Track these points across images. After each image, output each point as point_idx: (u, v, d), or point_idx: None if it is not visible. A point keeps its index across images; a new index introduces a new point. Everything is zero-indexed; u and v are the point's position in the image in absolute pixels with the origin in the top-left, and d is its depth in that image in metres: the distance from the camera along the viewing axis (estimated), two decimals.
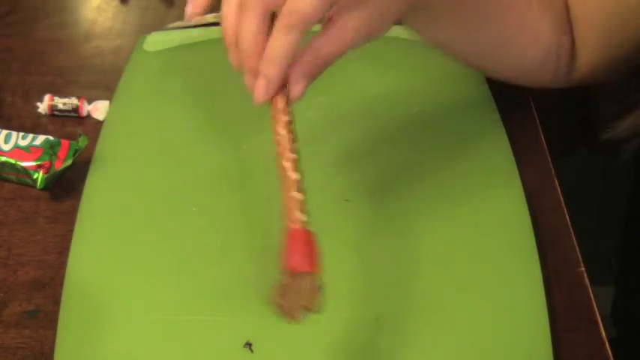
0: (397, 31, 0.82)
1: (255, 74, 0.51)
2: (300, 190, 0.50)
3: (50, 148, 0.67)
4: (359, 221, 0.63)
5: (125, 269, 0.60)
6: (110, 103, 0.74)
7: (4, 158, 0.67)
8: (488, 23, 0.63)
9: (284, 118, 0.52)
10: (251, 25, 0.50)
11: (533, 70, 0.68)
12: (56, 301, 0.58)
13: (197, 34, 0.83)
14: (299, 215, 0.49)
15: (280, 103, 0.52)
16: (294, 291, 0.49)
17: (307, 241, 0.49)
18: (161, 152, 0.69)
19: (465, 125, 0.71)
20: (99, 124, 0.73)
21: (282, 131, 0.52)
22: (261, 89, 0.51)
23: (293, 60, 0.51)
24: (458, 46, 0.65)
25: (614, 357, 0.56)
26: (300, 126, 0.71)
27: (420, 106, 0.73)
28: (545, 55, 0.66)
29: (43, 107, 0.75)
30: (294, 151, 0.52)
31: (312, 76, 0.52)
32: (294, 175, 0.51)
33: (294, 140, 0.52)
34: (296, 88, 0.51)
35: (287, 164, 0.51)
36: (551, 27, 0.65)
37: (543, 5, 0.65)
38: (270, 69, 0.50)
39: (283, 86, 0.52)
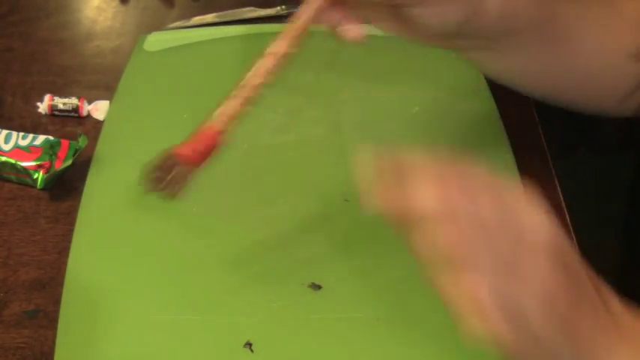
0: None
1: None
2: (245, 102, 0.52)
3: (50, 148, 0.67)
4: (359, 221, 0.63)
5: (125, 269, 0.60)
6: (110, 103, 0.74)
7: (4, 158, 0.67)
8: (548, 51, 0.60)
9: (290, 35, 0.54)
10: None
11: (602, 94, 0.64)
12: (56, 301, 0.58)
13: (197, 34, 0.83)
14: (222, 124, 0.53)
15: (301, 19, 0.54)
16: (167, 170, 0.53)
17: (209, 143, 0.52)
18: (161, 152, 0.69)
19: (465, 125, 0.71)
20: (99, 124, 0.73)
21: (278, 47, 0.53)
22: None
23: None
24: (520, 77, 0.63)
25: None
26: (299, 126, 0.72)
27: (420, 106, 0.73)
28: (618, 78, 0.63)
29: (43, 107, 0.75)
30: (274, 66, 0.53)
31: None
32: (254, 81, 0.53)
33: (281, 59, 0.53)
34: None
35: (257, 71, 0.53)
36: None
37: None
38: None
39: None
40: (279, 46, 0.53)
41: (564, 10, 0.60)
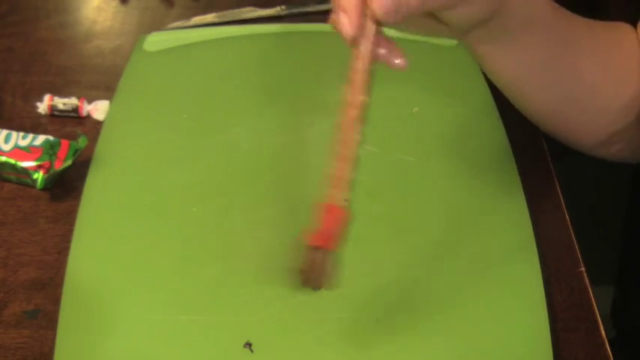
0: (396, 32, 0.82)
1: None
2: (352, 164, 0.49)
3: (50, 148, 0.67)
4: (359, 221, 0.63)
5: (125, 269, 0.60)
6: (110, 103, 0.74)
7: (4, 158, 0.67)
8: (566, 59, 0.61)
9: (359, 78, 0.51)
10: None
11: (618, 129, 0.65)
12: (56, 301, 0.58)
13: (197, 34, 0.83)
14: (339, 199, 0.49)
15: (361, 51, 0.51)
16: (312, 263, 0.50)
17: (336, 220, 0.49)
18: (161, 152, 0.69)
19: (465, 126, 0.71)
20: (99, 124, 0.73)
21: (355, 96, 0.51)
22: (344, 25, 0.51)
23: None
24: (531, 83, 0.62)
25: (614, 357, 0.56)
26: (299, 127, 0.72)
27: (420, 106, 0.73)
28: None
29: (43, 107, 0.75)
30: (359, 117, 0.51)
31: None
32: (350, 137, 0.50)
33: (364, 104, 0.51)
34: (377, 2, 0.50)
35: (347, 136, 0.50)
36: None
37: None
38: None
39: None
40: (356, 96, 0.51)
41: (577, 25, 0.63)
